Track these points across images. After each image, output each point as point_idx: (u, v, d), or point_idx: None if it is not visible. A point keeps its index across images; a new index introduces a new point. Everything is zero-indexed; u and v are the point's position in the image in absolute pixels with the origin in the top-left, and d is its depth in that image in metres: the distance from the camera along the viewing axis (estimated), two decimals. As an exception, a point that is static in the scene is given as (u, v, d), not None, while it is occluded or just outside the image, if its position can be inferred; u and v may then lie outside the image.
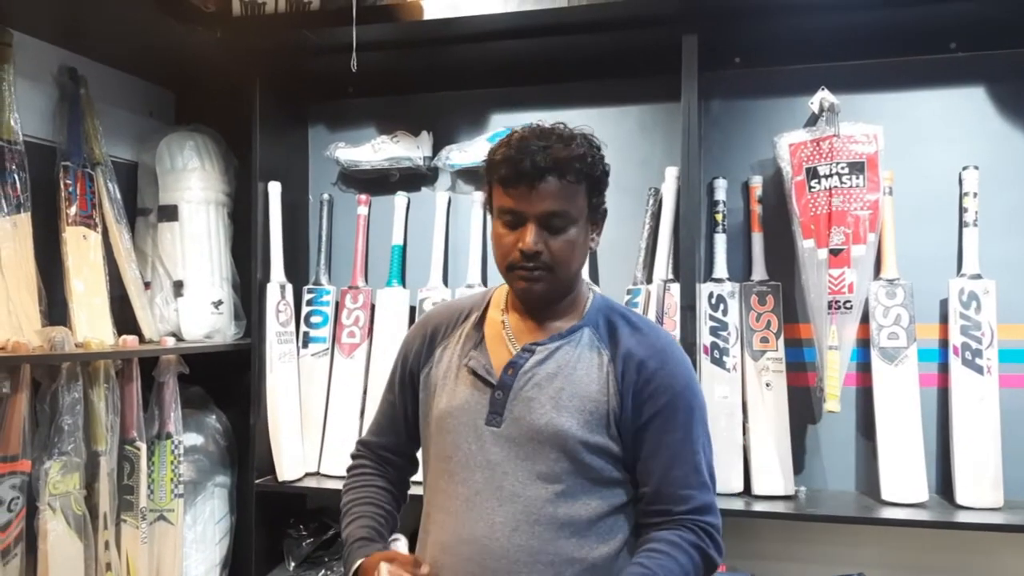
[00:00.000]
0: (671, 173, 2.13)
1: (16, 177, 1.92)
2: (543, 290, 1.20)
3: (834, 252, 1.94)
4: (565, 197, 1.16)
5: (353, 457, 1.42)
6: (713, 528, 1.18)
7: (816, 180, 1.98)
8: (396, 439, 1.38)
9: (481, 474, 1.19)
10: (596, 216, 1.24)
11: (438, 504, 1.25)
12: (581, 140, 1.19)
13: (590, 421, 1.18)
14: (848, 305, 1.94)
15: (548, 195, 1.15)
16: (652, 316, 2.08)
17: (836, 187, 1.95)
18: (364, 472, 1.38)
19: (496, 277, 2.27)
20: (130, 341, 2.03)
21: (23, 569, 1.76)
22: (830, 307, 1.95)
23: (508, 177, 1.15)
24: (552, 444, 1.16)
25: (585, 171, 1.18)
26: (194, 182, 2.32)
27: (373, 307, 2.38)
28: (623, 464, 1.22)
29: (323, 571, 2.21)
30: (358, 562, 1.19)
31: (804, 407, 2.15)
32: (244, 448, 2.34)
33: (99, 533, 1.90)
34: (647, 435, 1.19)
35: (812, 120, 2.12)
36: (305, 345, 2.38)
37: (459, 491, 1.20)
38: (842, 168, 1.96)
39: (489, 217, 1.28)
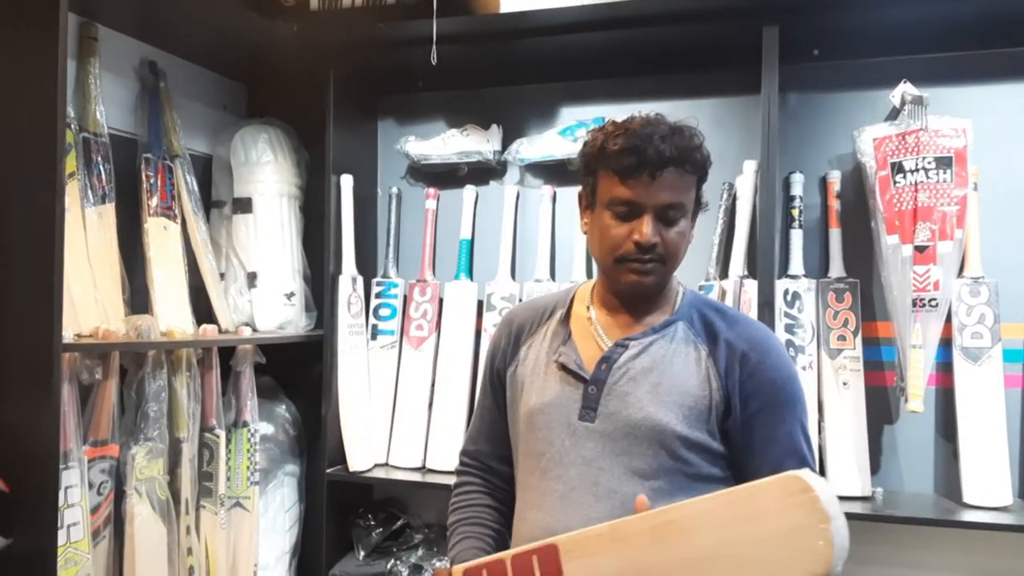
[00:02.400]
0: (749, 167, 2.10)
1: (101, 168, 1.96)
2: (653, 283, 1.18)
3: (919, 249, 1.90)
4: (682, 188, 1.14)
5: (458, 473, 1.41)
6: None
7: (901, 175, 1.94)
8: (497, 444, 1.36)
9: (576, 470, 1.18)
10: (698, 210, 1.22)
11: (530, 501, 1.23)
12: (692, 130, 1.17)
13: (689, 416, 1.16)
14: (933, 303, 1.90)
15: (668, 186, 1.13)
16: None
17: (922, 182, 1.91)
18: (469, 490, 1.37)
19: (564, 273, 2.32)
20: (210, 331, 2.06)
21: (111, 551, 1.81)
22: (914, 305, 1.91)
23: (630, 166, 1.12)
24: (649, 439, 1.15)
25: (700, 162, 1.16)
26: (268, 175, 2.35)
27: (441, 300, 2.39)
28: (724, 461, 1.20)
29: (392, 561, 2.23)
30: None
31: (881, 407, 2.11)
32: (315, 438, 2.36)
33: (181, 518, 1.94)
34: (753, 430, 1.17)
35: (893, 114, 2.07)
36: (374, 337, 2.40)
37: (553, 487, 1.19)
38: (929, 163, 1.91)
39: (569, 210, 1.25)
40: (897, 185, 1.94)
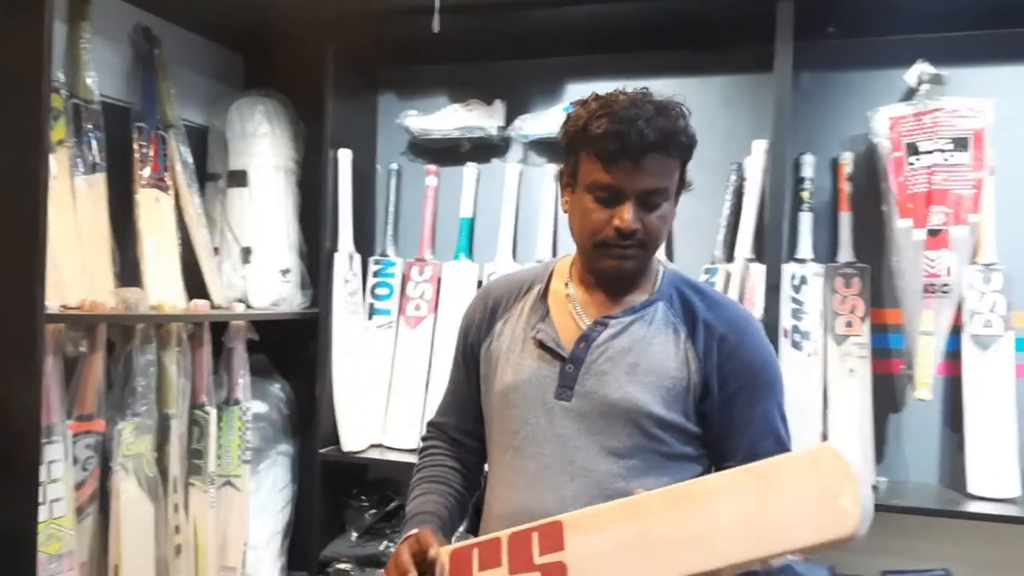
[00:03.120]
0: (759, 147, 2.04)
1: (92, 137, 1.90)
2: (633, 267, 1.17)
3: (933, 233, 1.85)
4: (665, 173, 1.12)
5: (424, 439, 1.39)
6: None
7: (916, 156, 1.88)
8: (465, 418, 1.33)
9: (551, 448, 1.17)
10: (682, 189, 1.20)
11: (503, 479, 1.22)
12: (678, 110, 1.13)
13: (666, 398, 1.15)
14: (945, 289, 1.85)
15: (650, 171, 1.10)
16: (732, 297, 2.01)
17: (937, 164, 1.85)
18: (435, 452, 1.35)
19: (566, 251, 2.25)
20: (201, 305, 2.01)
21: (96, 528, 1.77)
22: (926, 290, 1.86)
23: (612, 152, 1.09)
24: (625, 419, 1.14)
25: (686, 145, 1.13)
26: (264, 147, 2.29)
27: (440, 281, 2.34)
28: (698, 440, 1.20)
29: (385, 543, 2.19)
30: (411, 532, 1.16)
31: (887, 395, 2.06)
32: (308, 417, 2.33)
33: (169, 496, 1.90)
34: (731, 411, 1.17)
35: (909, 95, 2.01)
36: (370, 317, 2.36)
37: (527, 465, 1.18)
38: (945, 144, 1.85)
39: (559, 188, 1.22)
40: (911, 167, 1.89)
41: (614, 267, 1.15)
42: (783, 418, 1.19)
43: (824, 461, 0.85)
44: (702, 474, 1.19)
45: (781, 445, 1.17)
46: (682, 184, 1.17)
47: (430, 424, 1.39)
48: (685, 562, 0.89)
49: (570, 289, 1.23)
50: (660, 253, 1.26)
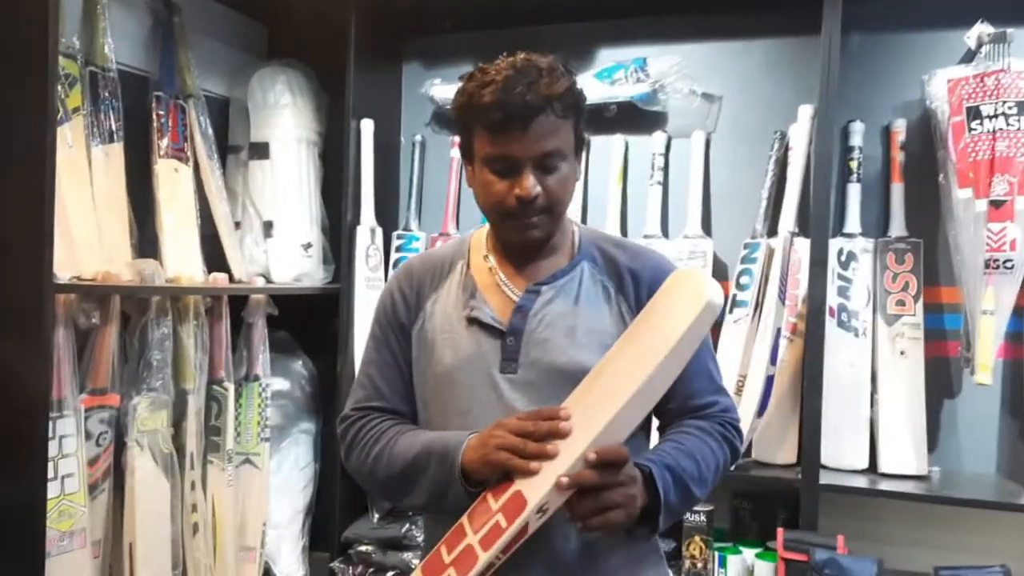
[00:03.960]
0: (804, 113, 1.91)
1: (109, 105, 1.85)
2: (542, 234, 1.14)
3: (995, 204, 1.71)
4: (556, 133, 1.09)
5: (351, 420, 1.22)
6: (737, 422, 1.21)
7: (978, 121, 1.74)
8: (397, 401, 1.21)
9: None
10: (580, 148, 1.17)
11: None
12: (562, 70, 1.10)
13: None
14: (1009, 264, 1.71)
15: (540, 135, 1.08)
16: (775, 273, 1.89)
17: (1001, 129, 1.71)
18: (383, 419, 1.20)
19: (596, 225, 2.15)
20: (220, 279, 1.96)
21: (111, 505, 1.73)
22: (987, 266, 1.73)
23: (498, 122, 1.07)
24: (573, 384, 1.09)
25: (572, 103, 1.10)
26: (286, 119, 2.23)
27: (465, 255, 2.26)
28: None
29: (407, 525, 2.13)
30: (465, 441, 1.06)
31: (942, 379, 1.94)
32: (330, 395, 2.27)
33: (186, 473, 1.86)
34: None
35: (968, 58, 1.87)
36: (393, 293, 2.28)
37: None
38: (1010, 108, 1.71)
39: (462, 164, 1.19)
40: (973, 132, 1.75)
41: (524, 237, 1.14)
42: (713, 358, 1.23)
43: (676, 279, 1.05)
44: (648, 422, 1.22)
45: (714, 382, 1.20)
46: (580, 143, 1.16)
47: (354, 409, 1.23)
48: (608, 404, 0.98)
49: (491, 262, 1.20)
50: (574, 214, 1.27)
